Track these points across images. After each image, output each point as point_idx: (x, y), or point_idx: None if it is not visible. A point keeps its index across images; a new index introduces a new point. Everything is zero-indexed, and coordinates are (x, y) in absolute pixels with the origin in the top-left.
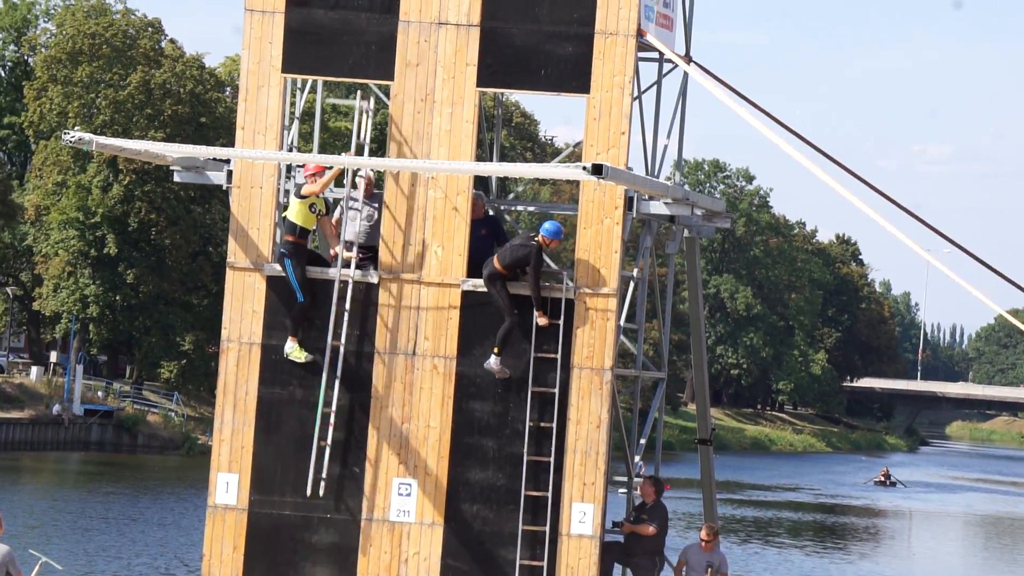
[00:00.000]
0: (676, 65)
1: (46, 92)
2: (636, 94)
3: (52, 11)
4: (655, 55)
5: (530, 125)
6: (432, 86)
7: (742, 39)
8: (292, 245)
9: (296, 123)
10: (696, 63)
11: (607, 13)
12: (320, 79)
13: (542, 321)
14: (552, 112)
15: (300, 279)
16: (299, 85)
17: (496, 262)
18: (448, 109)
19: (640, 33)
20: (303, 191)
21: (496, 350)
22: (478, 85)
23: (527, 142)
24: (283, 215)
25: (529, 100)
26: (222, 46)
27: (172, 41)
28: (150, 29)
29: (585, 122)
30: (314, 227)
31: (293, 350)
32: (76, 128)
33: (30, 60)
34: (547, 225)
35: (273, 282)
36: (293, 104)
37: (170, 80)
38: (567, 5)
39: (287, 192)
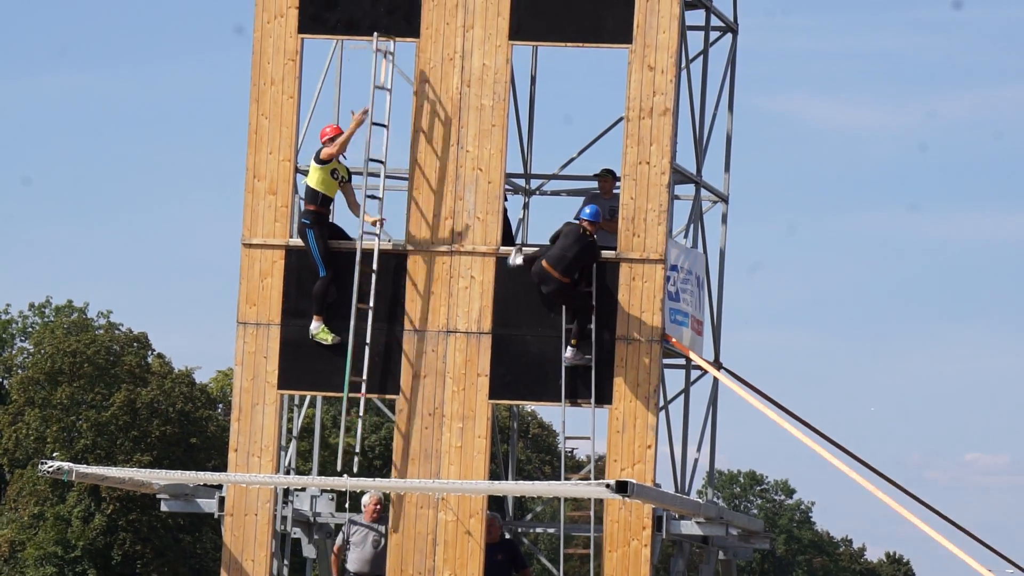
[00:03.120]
0: (705, 371)
1: (22, 416)
2: (663, 404)
3: (30, 329)
4: (681, 361)
5: (548, 437)
6: (441, 399)
7: (777, 339)
8: (314, 214)
9: (294, 442)
10: (727, 369)
11: (628, 318)
12: (319, 395)
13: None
14: (572, 422)
15: (323, 252)
16: (296, 401)
17: (554, 271)
18: (459, 424)
19: (665, 338)
20: (322, 154)
21: (574, 342)
22: (491, 397)
23: (545, 455)
24: (305, 183)
25: (546, 411)
26: (213, 359)
27: (160, 356)
28: (136, 344)
29: (608, 435)
30: (335, 194)
31: (319, 331)
32: (55, 454)
33: (5, 383)
34: (587, 209)
35: None
36: (291, 420)
37: (157, 398)
38: None
39: (284, 510)
